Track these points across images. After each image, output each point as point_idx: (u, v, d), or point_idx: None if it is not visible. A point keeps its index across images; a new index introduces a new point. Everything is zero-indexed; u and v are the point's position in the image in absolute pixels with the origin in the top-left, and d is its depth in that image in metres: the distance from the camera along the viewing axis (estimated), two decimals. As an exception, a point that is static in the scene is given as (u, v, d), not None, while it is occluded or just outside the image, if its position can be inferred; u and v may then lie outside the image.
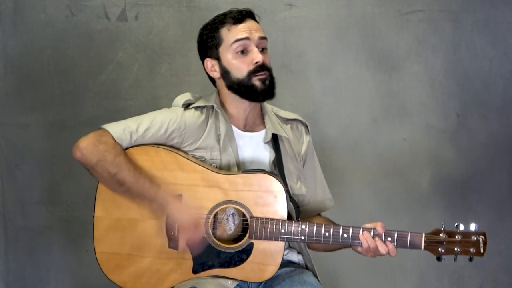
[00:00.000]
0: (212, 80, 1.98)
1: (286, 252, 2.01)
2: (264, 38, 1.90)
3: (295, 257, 2.01)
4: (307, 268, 2.00)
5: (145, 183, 1.81)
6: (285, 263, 1.98)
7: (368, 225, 1.82)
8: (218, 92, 1.97)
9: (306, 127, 2.05)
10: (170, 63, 2.73)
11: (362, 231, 1.80)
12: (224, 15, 1.91)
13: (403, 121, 2.87)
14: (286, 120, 2.04)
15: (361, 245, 1.80)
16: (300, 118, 2.05)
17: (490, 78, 2.89)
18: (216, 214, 1.85)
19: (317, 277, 1.96)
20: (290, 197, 1.94)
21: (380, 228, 1.79)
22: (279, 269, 1.91)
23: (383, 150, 2.86)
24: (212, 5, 2.71)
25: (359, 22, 2.81)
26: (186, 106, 1.94)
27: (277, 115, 2.02)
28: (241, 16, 1.88)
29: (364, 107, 2.84)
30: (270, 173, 1.85)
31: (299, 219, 1.98)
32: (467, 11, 2.85)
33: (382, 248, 1.78)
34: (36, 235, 2.73)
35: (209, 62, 1.92)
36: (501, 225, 2.94)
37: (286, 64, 2.79)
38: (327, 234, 1.81)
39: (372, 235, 1.79)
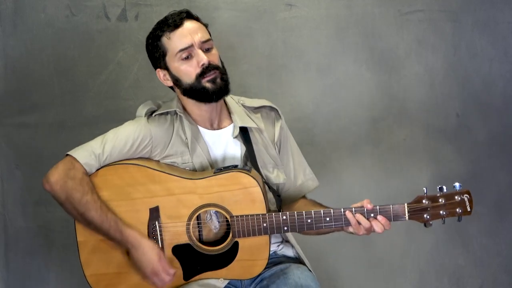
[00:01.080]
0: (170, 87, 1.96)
1: (281, 247, 2.01)
2: (207, 40, 1.86)
3: (290, 251, 2.01)
4: (300, 262, 1.99)
5: (110, 226, 1.81)
6: (280, 259, 1.98)
7: (355, 205, 1.80)
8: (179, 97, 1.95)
9: (277, 111, 2.03)
10: (170, 63, 2.73)
11: (344, 211, 1.78)
12: (163, 22, 1.87)
13: (403, 121, 2.87)
14: (255, 109, 2.01)
15: (350, 224, 1.77)
16: (268, 103, 2.02)
17: (490, 78, 2.89)
18: (199, 216, 1.84)
19: (310, 270, 1.95)
20: (270, 187, 1.93)
21: (366, 204, 1.78)
22: (274, 266, 1.91)
23: (383, 150, 2.86)
24: (212, 5, 2.71)
25: (359, 22, 2.81)
26: (150, 114, 1.93)
27: (244, 106, 2.00)
28: (179, 19, 1.84)
29: (364, 107, 2.84)
30: (242, 169, 1.83)
31: (281, 209, 1.98)
32: (467, 11, 2.85)
33: (365, 223, 1.76)
34: (36, 235, 2.73)
35: (161, 73, 1.91)
36: (501, 225, 2.94)
37: (286, 64, 2.79)
38: (309, 221, 1.79)
39: (354, 212, 1.77)
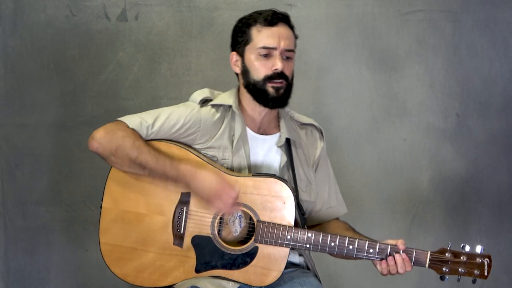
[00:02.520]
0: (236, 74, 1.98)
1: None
2: (290, 50, 1.89)
3: (296, 258, 2.01)
4: (308, 268, 2.00)
5: (166, 162, 1.81)
6: (286, 264, 1.98)
7: (390, 241, 1.82)
8: (238, 90, 1.96)
9: (321, 133, 2.05)
10: (170, 63, 2.73)
11: (368, 245, 1.80)
12: (260, 14, 1.90)
13: (403, 121, 2.87)
14: (301, 125, 2.04)
15: (380, 262, 1.82)
16: (315, 123, 2.05)
17: (490, 78, 2.89)
18: (223, 215, 1.85)
19: (318, 278, 1.96)
20: (298, 204, 1.93)
21: (400, 245, 1.81)
22: None
23: (383, 150, 2.86)
24: (212, 5, 2.72)
25: (359, 22, 2.81)
26: (203, 102, 1.94)
27: (292, 118, 2.02)
28: (276, 19, 1.87)
29: (364, 107, 2.84)
30: (281, 178, 1.85)
31: (306, 227, 1.98)
32: (467, 11, 2.85)
33: (393, 268, 1.82)
34: (36, 235, 2.72)
35: (234, 57, 1.93)
36: (501, 225, 2.94)
37: (286, 64, 2.78)
38: (332, 244, 1.81)
39: (377, 251, 1.80)
